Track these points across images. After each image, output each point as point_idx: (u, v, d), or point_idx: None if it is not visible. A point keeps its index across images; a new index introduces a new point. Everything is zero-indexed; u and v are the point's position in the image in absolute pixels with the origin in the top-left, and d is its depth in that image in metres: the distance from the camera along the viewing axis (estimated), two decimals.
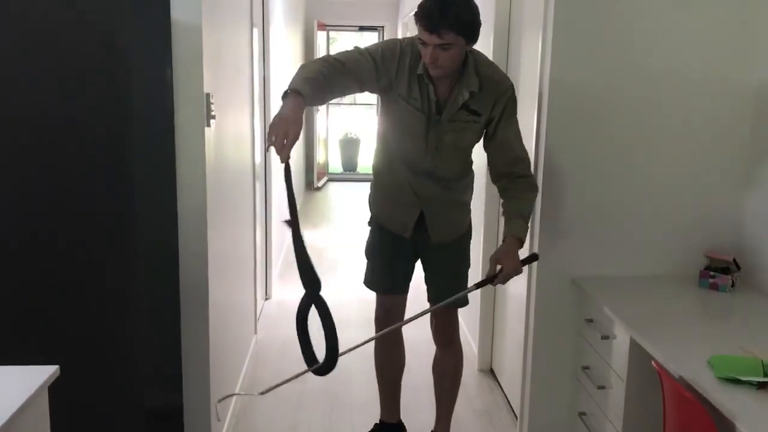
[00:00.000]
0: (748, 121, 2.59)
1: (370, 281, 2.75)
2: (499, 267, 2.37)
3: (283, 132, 2.00)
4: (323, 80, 2.19)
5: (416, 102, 2.37)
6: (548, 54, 2.54)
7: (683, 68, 2.55)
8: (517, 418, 3.04)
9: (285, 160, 2.02)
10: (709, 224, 2.66)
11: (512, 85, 2.44)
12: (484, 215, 3.58)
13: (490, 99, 2.37)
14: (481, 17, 2.23)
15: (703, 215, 2.66)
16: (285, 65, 6.40)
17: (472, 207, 2.69)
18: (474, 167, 2.62)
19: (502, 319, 3.57)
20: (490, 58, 3.48)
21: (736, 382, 1.75)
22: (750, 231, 2.61)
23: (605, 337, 2.37)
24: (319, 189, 9.64)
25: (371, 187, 2.72)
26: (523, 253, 2.44)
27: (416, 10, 2.22)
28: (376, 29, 10.29)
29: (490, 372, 3.77)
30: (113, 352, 2.29)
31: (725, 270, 2.54)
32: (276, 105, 5.46)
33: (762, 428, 1.58)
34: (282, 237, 6.01)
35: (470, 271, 2.75)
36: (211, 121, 2.57)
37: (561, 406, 2.74)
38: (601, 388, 2.40)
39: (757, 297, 2.50)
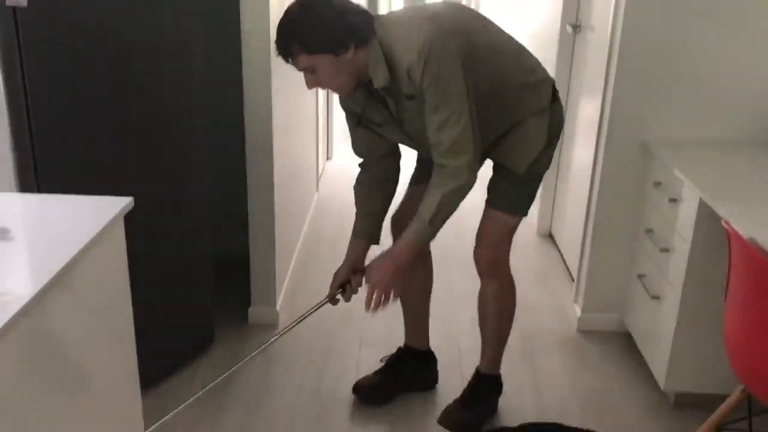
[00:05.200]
0: None
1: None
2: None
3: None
4: (374, 186, 2.25)
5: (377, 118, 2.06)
6: None
7: None
8: (573, 280, 3.06)
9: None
10: None
11: (421, 53, 1.81)
12: None
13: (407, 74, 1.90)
14: None
15: None
16: None
17: None
18: None
19: (564, 183, 3.52)
20: None
21: None
22: None
23: (672, 200, 2.31)
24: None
25: None
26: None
27: None
28: None
29: (549, 236, 3.78)
30: (186, 195, 2.38)
31: None
32: None
33: None
34: None
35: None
36: None
37: (619, 268, 2.74)
38: (665, 251, 2.37)
39: None
